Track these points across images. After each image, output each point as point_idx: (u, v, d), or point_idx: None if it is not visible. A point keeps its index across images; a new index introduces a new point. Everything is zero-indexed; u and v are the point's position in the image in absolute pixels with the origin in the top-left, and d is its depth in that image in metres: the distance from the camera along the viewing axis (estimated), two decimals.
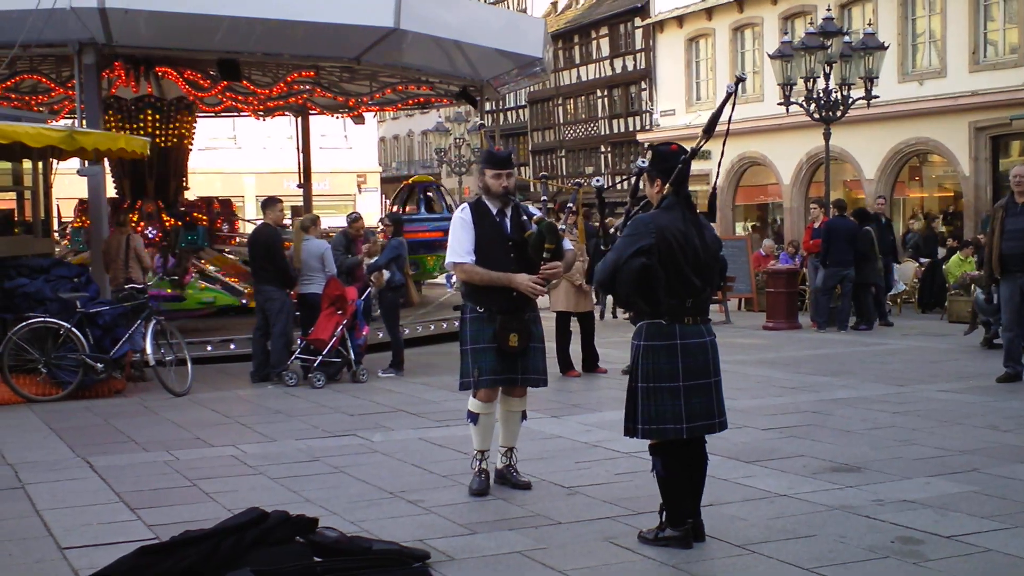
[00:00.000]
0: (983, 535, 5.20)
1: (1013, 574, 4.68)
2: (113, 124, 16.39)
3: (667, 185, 5.11)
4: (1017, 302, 10.29)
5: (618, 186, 27.74)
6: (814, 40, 18.11)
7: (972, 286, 14.85)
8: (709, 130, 5.20)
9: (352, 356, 11.26)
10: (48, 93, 17.00)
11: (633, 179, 5.37)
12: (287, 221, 14.26)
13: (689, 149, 5.17)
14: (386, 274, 11.77)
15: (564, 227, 6.53)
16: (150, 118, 16.77)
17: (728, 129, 5.15)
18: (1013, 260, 10.17)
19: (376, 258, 12.07)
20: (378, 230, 14.41)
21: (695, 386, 5.10)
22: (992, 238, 10.41)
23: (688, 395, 5.08)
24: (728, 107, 5.10)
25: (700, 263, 5.10)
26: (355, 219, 13.44)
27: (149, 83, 16.42)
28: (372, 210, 37.57)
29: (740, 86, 5.16)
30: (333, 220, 31.39)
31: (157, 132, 16.69)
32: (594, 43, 40.46)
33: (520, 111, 47.21)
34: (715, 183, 5.64)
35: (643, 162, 5.26)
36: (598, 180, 5.62)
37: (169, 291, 15.30)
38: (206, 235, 17.67)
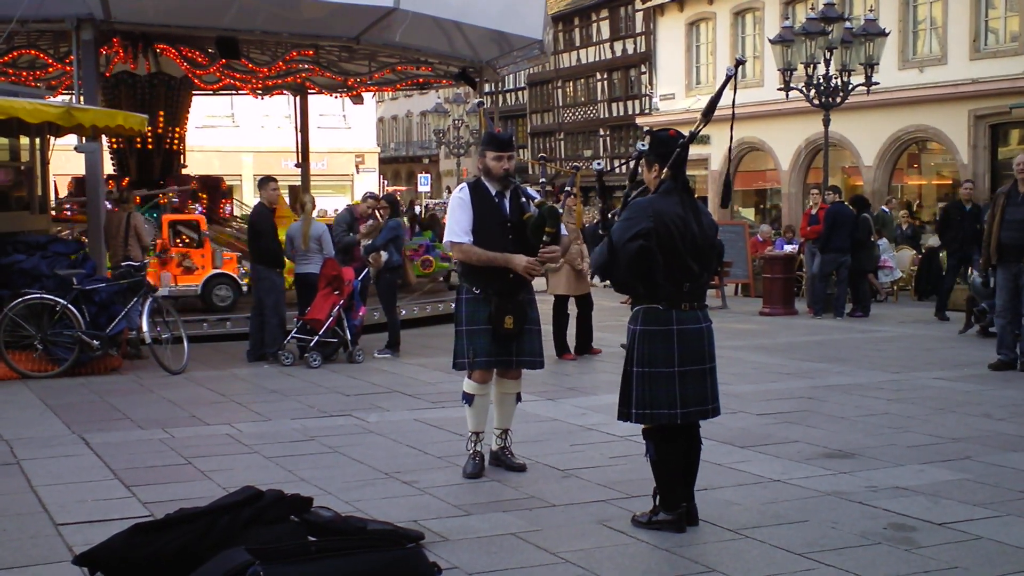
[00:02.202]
0: (975, 523, 5.22)
1: (1004, 562, 4.70)
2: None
3: (665, 170, 5.10)
4: (1012, 289, 10.31)
5: (618, 169, 27.71)
6: (815, 25, 18.07)
7: (970, 270, 14.72)
8: (708, 114, 5.17)
9: (348, 336, 11.26)
10: (46, 69, 16.94)
11: (632, 163, 5.36)
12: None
13: (687, 134, 5.15)
14: (384, 255, 11.76)
15: (562, 210, 6.52)
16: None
17: (733, 113, 5.14)
18: (1011, 250, 10.16)
19: (374, 239, 12.05)
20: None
21: (690, 372, 5.10)
22: (992, 224, 10.40)
23: (683, 381, 5.08)
24: (728, 91, 5.08)
25: (698, 248, 5.09)
26: (371, 196, 13.39)
27: (147, 60, 16.38)
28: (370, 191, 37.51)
29: (740, 69, 5.15)
30: (331, 200, 31.42)
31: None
32: (594, 26, 40.34)
33: (519, 93, 47.11)
34: (728, 171, 5.67)
35: (643, 145, 5.25)
36: (598, 163, 5.60)
37: None
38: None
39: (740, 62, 5.20)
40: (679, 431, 5.18)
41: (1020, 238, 10.08)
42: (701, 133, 5.23)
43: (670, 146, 5.11)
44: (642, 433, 5.25)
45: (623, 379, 5.21)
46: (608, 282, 5.50)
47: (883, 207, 21.33)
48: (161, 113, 16.98)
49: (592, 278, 11.00)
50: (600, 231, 5.25)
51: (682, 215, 5.05)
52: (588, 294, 11.86)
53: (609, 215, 5.34)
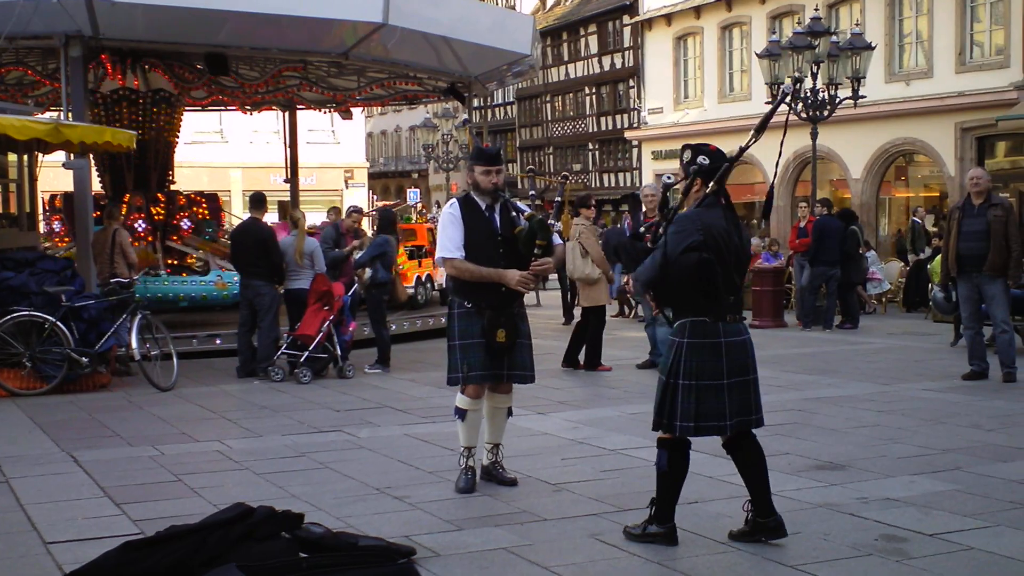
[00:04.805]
0: (966, 533, 5.24)
1: (996, 572, 4.71)
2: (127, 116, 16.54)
3: (712, 184, 5.19)
4: (975, 300, 10.42)
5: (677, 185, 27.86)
6: (802, 40, 18.16)
7: (930, 286, 14.67)
8: (760, 130, 5.32)
9: (338, 352, 11.25)
10: (34, 86, 16.92)
11: (660, 195, 5.50)
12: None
13: (734, 150, 5.31)
14: (368, 272, 11.71)
15: (552, 222, 6.56)
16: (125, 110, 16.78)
17: (785, 131, 5.35)
18: (970, 260, 10.27)
19: (360, 255, 12.00)
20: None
21: (737, 383, 5.10)
22: (949, 238, 10.51)
23: (731, 392, 5.08)
24: (782, 107, 5.24)
25: (740, 261, 5.18)
26: (355, 211, 13.35)
27: (136, 76, 16.37)
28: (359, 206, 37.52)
29: (767, 89, 5.38)
30: (321, 216, 31.38)
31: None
32: (582, 40, 40.49)
33: (508, 108, 47.23)
34: (772, 183, 5.81)
35: (669, 178, 5.39)
36: (668, 177, 5.72)
37: None
38: (216, 228, 17.77)
39: (787, 93, 5.41)
40: (734, 444, 5.22)
41: (978, 248, 10.20)
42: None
43: (715, 162, 5.29)
44: (657, 442, 5.22)
45: (663, 391, 5.11)
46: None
47: (914, 218, 21.36)
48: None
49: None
50: (649, 244, 5.24)
51: (726, 228, 5.12)
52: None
53: (640, 229, 5.41)
